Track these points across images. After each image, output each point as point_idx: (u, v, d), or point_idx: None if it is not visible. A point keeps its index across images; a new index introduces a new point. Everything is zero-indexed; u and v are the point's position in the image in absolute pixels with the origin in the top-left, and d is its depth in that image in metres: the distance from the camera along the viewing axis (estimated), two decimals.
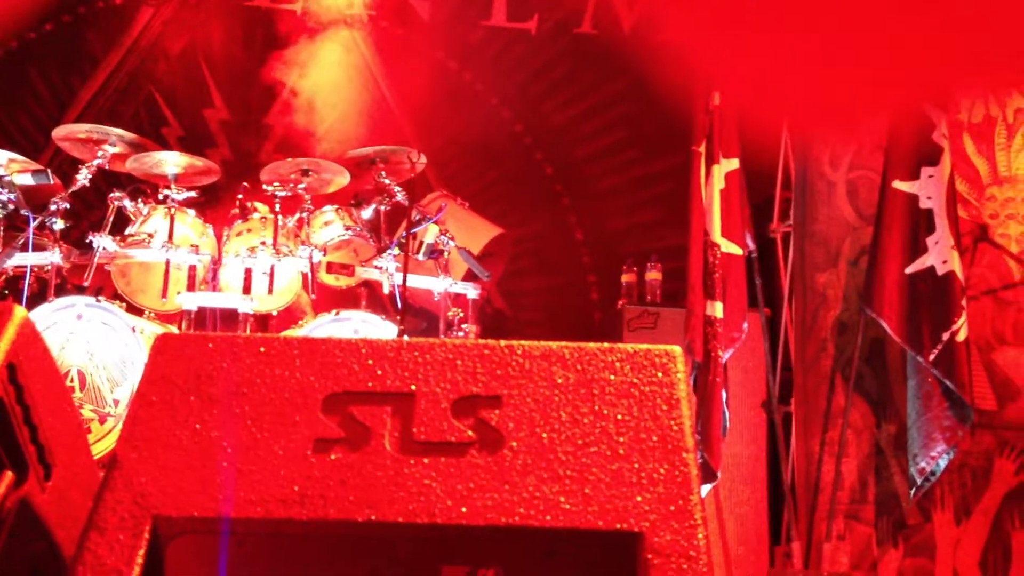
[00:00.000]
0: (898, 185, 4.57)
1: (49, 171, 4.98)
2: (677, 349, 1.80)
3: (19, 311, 1.76)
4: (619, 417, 1.72)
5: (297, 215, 5.17)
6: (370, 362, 1.75)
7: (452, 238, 5.08)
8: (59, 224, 4.84)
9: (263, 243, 4.97)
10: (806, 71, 4.52)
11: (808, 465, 4.91)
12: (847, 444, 4.80)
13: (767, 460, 5.36)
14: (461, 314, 5.13)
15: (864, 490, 4.83)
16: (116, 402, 4.56)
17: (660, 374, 1.75)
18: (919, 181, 4.55)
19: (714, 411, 4.45)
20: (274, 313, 5.08)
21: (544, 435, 1.71)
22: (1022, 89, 4.90)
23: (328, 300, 5.10)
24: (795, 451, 5.02)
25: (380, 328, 4.77)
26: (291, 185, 5.16)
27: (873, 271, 4.59)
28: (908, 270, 4.49)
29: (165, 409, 1.68)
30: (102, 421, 4.53)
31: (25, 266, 4.80)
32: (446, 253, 5.08)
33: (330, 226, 5.25)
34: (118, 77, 6.71)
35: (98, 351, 4.59)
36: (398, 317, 4.78)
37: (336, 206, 5.35)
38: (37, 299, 4.73)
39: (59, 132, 5.12)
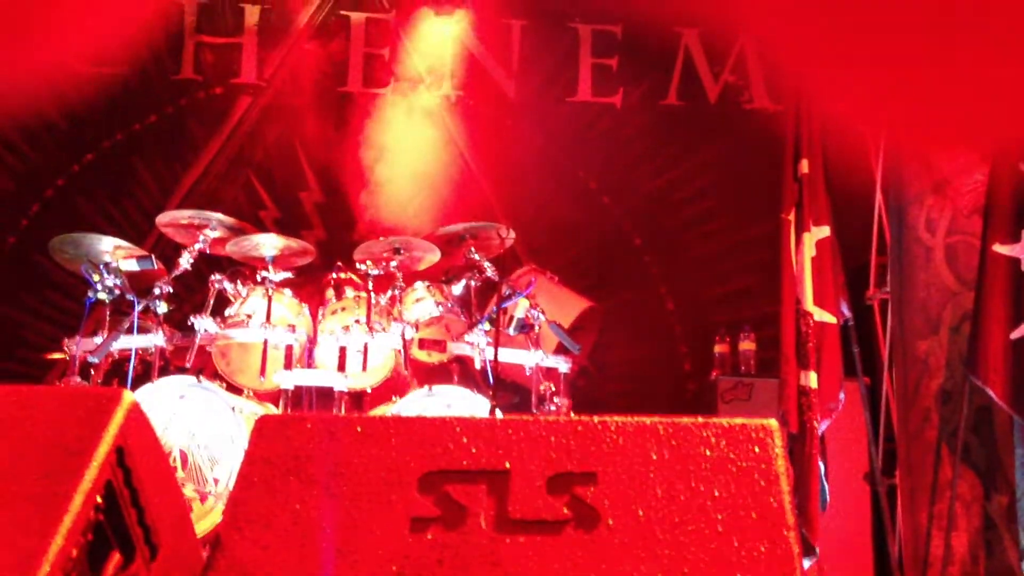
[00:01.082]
0: (998, 249, 4.45)
1: (153, 257, 5.16)
2: (774, 423, 1.77)
3: (127, 396, 1.82)
4: (716, 494, 1.70)
5: (389, 292, 5.25)
6: (464, 440, 1.76)
7: (542, 312, 5.10)
8: (162, 307, 4.98)
9: (357, 321, 5.05)
10: (901, 124, 4.45)
11: (916, 539, 4.74)
12: (956, 517, 4.63)
13: (872, 535, 5.18)
14: (553, 388, 5.12)
15: (976, 565, 4.64)
16: (216, 481, 4.64)
17: (757, 449, 1.73)
18: (1020, 244, 4.43)
19: (812, 484, 4.34)
20: (368, 390, 5.14)
21: (640, 512, 1.69)
22: None
23: (420, 376, 5.15)
24: (901, 525, 4.85)
25: (472, 403, 4.78)
26: (383, 263, 5.26)
27: (976, 337, 4.46)
28: (1013, 335, 4.35)
29: (266, 490, 1.72)
30: (203, 500, 4.61)
31: (130, 349, 4.96)
32: (537, 327, 5.10)
33: (422, 303, 5.31)
34: (218, 163, 6.96)
35: (199, 431, 4.69)
36: (490, 392, 4.80)
37: (427, 283, 5.42)
38: (141, 380, 4.87)
39: (163, 219, 5.31)
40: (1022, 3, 3.89)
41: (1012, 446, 4.41)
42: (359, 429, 1.76)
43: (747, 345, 5.83)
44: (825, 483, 4.43)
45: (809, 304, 4.58)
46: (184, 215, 5.30)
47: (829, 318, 4.62)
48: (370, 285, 5.20)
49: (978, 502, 4.69)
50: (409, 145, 6.80)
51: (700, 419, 1.74)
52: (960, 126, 4.28)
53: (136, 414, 1.83)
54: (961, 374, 4.66)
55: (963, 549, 4.67)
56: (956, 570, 4.64)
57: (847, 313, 4.82)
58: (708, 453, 1.73)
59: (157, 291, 4.97)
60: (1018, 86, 4.04)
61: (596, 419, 1.77)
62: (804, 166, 4.78)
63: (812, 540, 4.28)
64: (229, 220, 5.26)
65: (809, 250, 4.66)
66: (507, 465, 1.74)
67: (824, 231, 4.73)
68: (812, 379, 4.47)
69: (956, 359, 4.82)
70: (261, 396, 5.04)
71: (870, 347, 5.24)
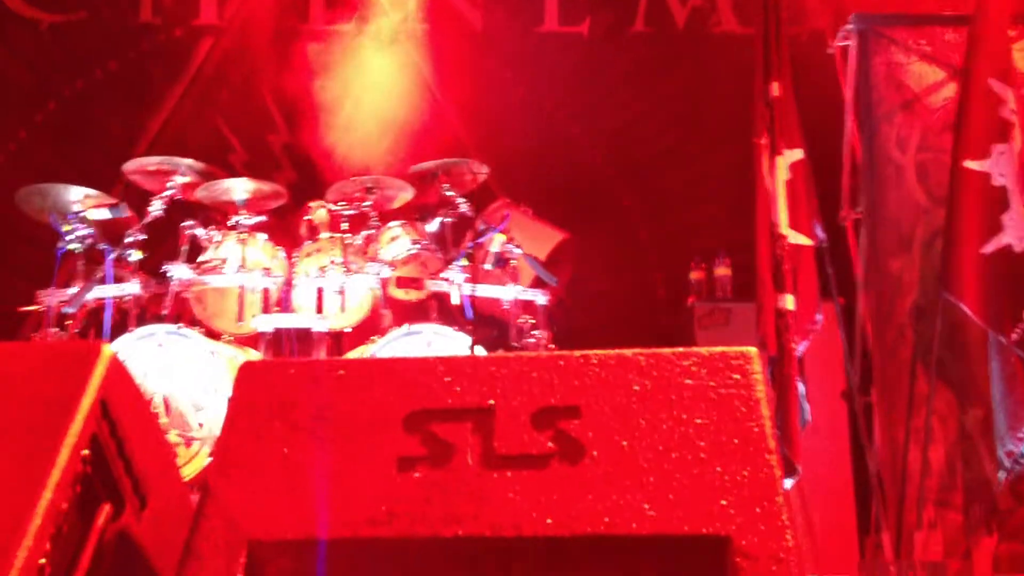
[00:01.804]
0: (969, 164, 4.47)
1: (123, 205, 5.11)
2: (752, 350, 1.79)
3: (107, 350, 1.81)
4: (698, 421, 1.72)
5: (364, 232, 5.23)
6: (448, 379, 1.77)
7: (518, 246, 5.10)
8: (136, 256, 4.95)
9: (333, 262, 5.04)
10: None
11: (893, 454, 4.82)
12: (932, 430, 4.71)
13: (851, 451, 5.28)
14: (531, 321, 5.14)
15: (953, 476, 4.74)
16: (200, 425, 4.65)
17: (737, 376, 1.75)
18: (990, 159, 4.45)
19: (791, 405, 4.40)
20: (347, 331, 5.14)
21: (624, 443, 1.71)
22: None
23: (399, 314, 5.15)
24: (879, 440, 4.94)
25: (452, 340, 4.80)
26: (356, 203, 5.23)
27: (948, 253, 4.50)
28: (984, 250, 4.39)
29: (253, 436, 1.72)
30: (188, 445, 4.63)
31: (106, 298, 4.93)
32: (513, 261, 5.10)
33: (397, 241, 5.30)
34: (183, 108, 6.86)
35: (180, 377, 4.70)
36: (469, 328, 4.81)
37: (402, 221, 5.40)
38: (119, 330, 4.85)
39: (130, 166, 5.24)
40: None
41: (986, 360, 4.47)
42: (342, 372, 1.76)
43: (723, 271, 5.87)
44: (805, 403, 4.49)
45: (784, 227, 4.60)
46: (152, 161, 5.24)
47: (804, 240, 4.65)
48: (344, 225, 5.18)
49: (954, 416, 4.78)
50: (376, 81, 6.70)
51: (680, 349, 1.76)
52: None
53: (117, 366, 1.83)
54: (934, 290, 4.71)
55: (940, 462, 4.76)
56: (934, 482, 4.74)
57: (821, 235, 4.85)
58: (689, 382, 1.75)
59: (129, 239, 4.93)
60: None
61: (578, 353, 1.79)
62: (775, 89, 4.77)
63: (794, 459, 4.35)
64: (198, 165, 5.21)
65: (783, 173, 4.67)
66: (491, 402, 1.75)
67: (797, 154, 4.74)
68: (789, 301, 4.51)
69: (929, 276, 4.87)
70: (240, 340, 5.03)
71: (844, 267, 5.28)
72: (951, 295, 4.44)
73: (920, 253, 4.99)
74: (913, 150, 5.10)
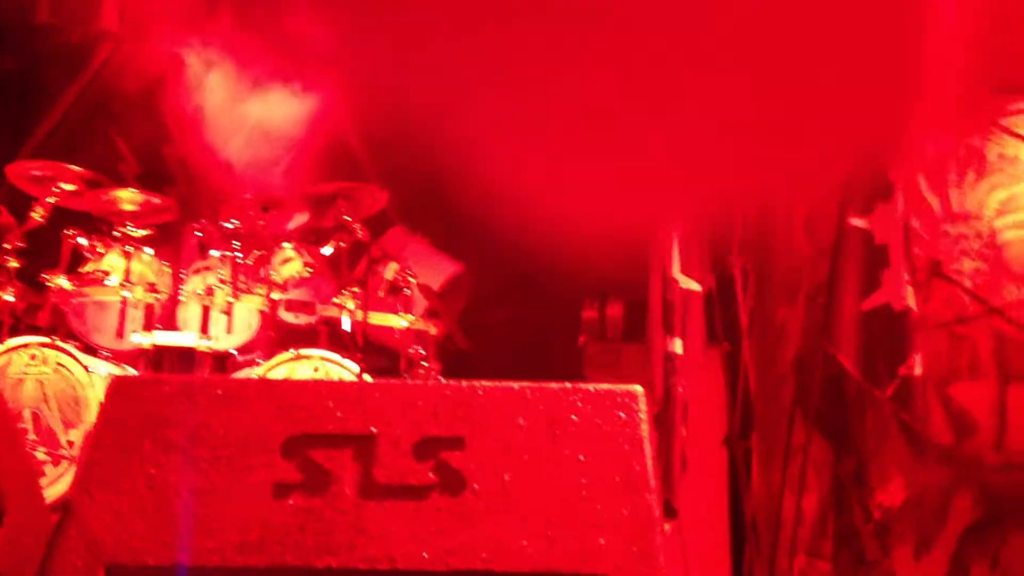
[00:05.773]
0: (854, 221, 4.62)
1: (2, 209, 4.93)
2: (639, 389, 1.80)
3: None
4: (581, 458, 1.72)
5: (256, 252, 5.13)
6: (330, 404, 1.73)
7: (413, 275, 5.07)
8: (13, 263, 4.78)
9: (221, 281, 4.93)
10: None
11: (769, 501, 4.92)
12: (807, 479, 4.82)
13: (729, 497, 5.35)
14: (422, 351, 5.10)
15: (824, 525, 4.84)
16: (70, 444, 4.48)
17: (622, 414, 1.75)
18: (873, 216, 4.61)
19: (675, 448, 4.46)
20: (233, 352, 5.02)
21: (506, 477, 1.70)
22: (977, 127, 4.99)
23: (288, 338, 5.06)
24: (756, 487, 5.03)
25: (341, 366, 4.72)
26: (250, 222, 5.13)
27: (830, 307, 4.63)
28: (864, 306, 4.53)
29: (120, 453, 1.65)
30: (56, 463, 4.45)
31: None
32: (407, 290, 5.07)
33: (290, 263, 5.21)
34: (76, 113, 6.65)
35: (52, 392, 4.52)
36: (359, 356, 4.75)
37: (296, 243, 5.32)
38: None
39: (14, 168, 5.07)
40: None
41: (862, 412, 4.60)
42: (220, 391, 1.71)
43: (614, 311, 5.92)
44: (686, 447, 4.55)
45: (676, 272, 4.67)
46: (37, 166, 5.07)
47: (694, 285, 4.73)
48: (236, 244, 5.08)
49: (829, 465, 4.90)
50: (279, 100, 6.61)
51: (567, 385, 1.76)
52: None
53: None
54: (815, 342, 4.83)
55: (813, 510, 4.87)
56: (806, 531, 4.84)
57: (710, 281, 4.95)
58: (574, 418, 1.74)
59: (7, 245, 4.77)
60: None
61: (464, 384, 1.77)
62: None
63: (674, 502, 4.39)
64: (86, 172, 5.06)
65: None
66: (373, 430, 1.72)
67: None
68: (677, 345, 4.58)
69: (811, 327, 5.00)
70: (119, 357, 4.87)
71: (731, 314, 5.38)
72: (831, 348, 4.56)
73: (804, 304, 5.12)
74: (803, 203, 5.24)
